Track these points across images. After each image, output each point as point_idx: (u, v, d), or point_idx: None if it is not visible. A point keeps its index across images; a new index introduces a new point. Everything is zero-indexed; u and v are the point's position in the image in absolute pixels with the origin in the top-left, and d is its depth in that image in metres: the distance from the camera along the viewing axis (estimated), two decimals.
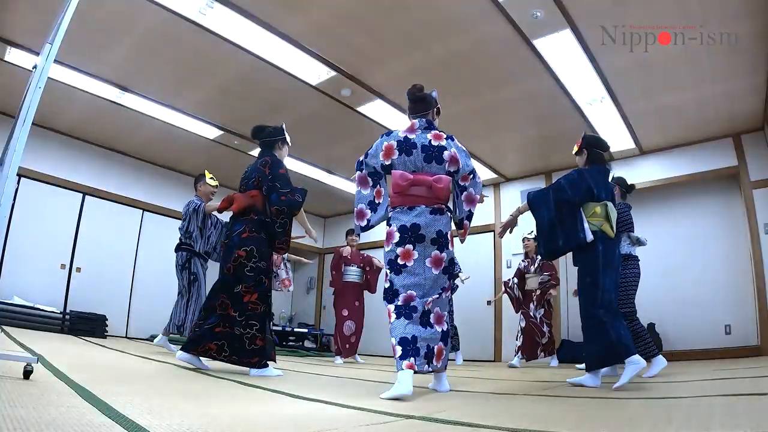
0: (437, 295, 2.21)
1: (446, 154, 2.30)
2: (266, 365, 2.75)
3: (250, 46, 4.23)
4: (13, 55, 4.48)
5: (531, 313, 5.29)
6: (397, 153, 2.32)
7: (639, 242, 3.48)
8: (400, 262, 2.20)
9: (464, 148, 2.40)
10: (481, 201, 2.49)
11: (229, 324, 2.70)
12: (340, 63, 4.48)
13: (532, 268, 5.43)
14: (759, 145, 5.28)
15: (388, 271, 2.23)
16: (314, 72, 4.61)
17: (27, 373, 1.64)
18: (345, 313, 5.54)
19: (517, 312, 5.53)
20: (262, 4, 3.73)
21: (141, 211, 6.82)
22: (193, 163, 6.73)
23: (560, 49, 4.05)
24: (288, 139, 3.28)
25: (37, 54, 2.36)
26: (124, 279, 6.47)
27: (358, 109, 5.24)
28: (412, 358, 2.02)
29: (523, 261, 5.61)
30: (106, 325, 5.79)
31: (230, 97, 5.20)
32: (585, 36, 3.88)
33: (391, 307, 2.17)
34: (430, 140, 2.33)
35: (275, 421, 1.40)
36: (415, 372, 2.02)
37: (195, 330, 2.78)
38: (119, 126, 5.92)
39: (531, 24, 3.76)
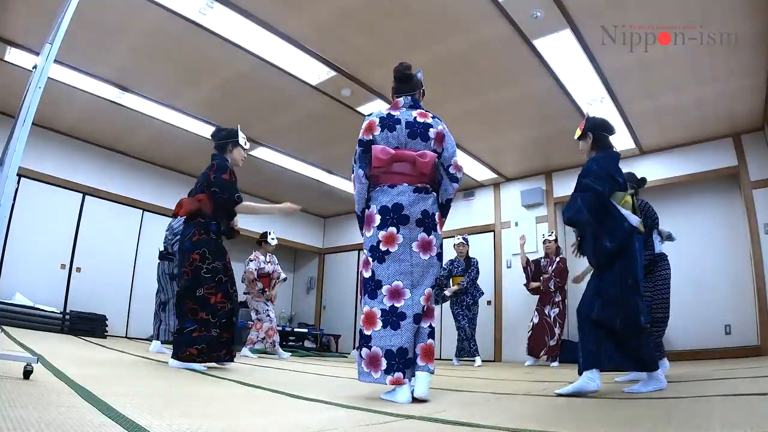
0: (431, 287, 1.97)
1: (432, 131, 2.11)
2: (230, 360, 2.97)
3: (250, 46, 4.23)
4: (13, 55, 4.48)
5: (546, 311, 5.37)
6: (379, 129, 2.10)
7: (670, 238, 3.21)
8: (382, 248, 1.97)
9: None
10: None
11: (205, 327, 2.85)
12: (340, 63, 4.48)
13: (550, 269, 5.50)
14: (759, 145, 5.28)
15: (370, 260, 2.00)
16: (314, 72, 4.62)
17: (27, 373, 1.64)
18: None
19: (529, 283, 5.65)
20: (262, 4, 3.73)
21: (141, 211, 6.81)
22: (193, 163, 6.72)
23: (560, 49, 4.05)
24: (242, 141, 3.26)
25: (37, 54, 2.37)
26: (124, 279, 6.47)
27: (358, 109, 5.24)
28: (399, 373, 1.83)
29: (543, 260, 5.68)
30: (106, 325, 5.79)
31: (230, 97, 5.20)
32: (585, 36, 3.88)
33: (376, 310, 1.92)
34: (416, 117, 2.13)
35: (275, 421, 1.40)
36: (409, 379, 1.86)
37: (176, 336, 2.92)
38: (119, 126, 5.92)
39: (531, 24, 3.76)
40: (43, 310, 5.29)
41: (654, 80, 4.48)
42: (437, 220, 2.06)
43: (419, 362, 1.88)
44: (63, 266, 5.93)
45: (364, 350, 1.91)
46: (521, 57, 4.18)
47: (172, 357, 2.88)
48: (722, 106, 4.90)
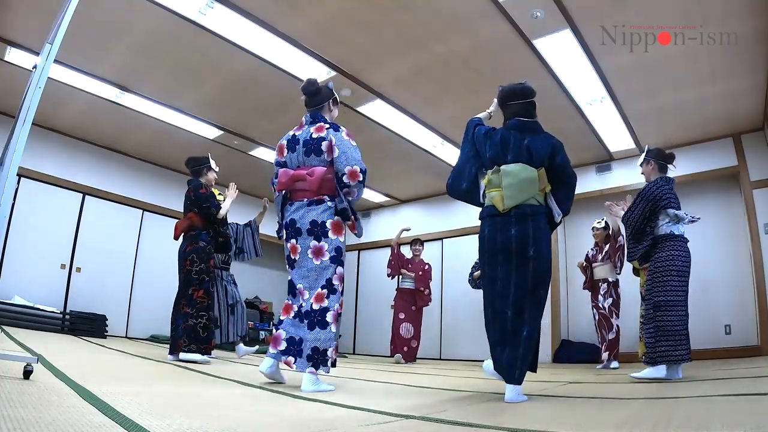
0: (322, 289, 2.20)
1: (324, 144, 2.29)
2: (206, 353, 3.39)
3: (250, 46, 4.23)
4: (13, 55, 4.48)
5: (600, 304, 5.03)
6: (287, 151, 2.39)
7: (678, 218, 2.94)
8: (291, 257, 2.30)
9: (355, 144, 2.33)
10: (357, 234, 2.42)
11: (185, 319, 3.36)
12: (340, 63, 4.48)
13: (600, 257, 5.15)
14: (759, 145, 5.28)
15: (287, 266, 2.35)
16: (314, 72, 4.61)
17: (27, 373, 1.64)
18: (402, 316, 5.88)
19: (585, 287, 5.28)
20: (262, 4, 3.73)
21: (141, 211, 6.81)
22: None
23: (560, 49, 4.05)
24: (213, 165, 3.84)
25: (37, 54, 2.37)
26: (124, 279, 6.46)
27: (358, 109, 5.24)
28: (291, 357, 2.17)
29: (591, 249, 5.33)
30: (106, 325, 5.78)
31: (230, 97, 5.20)
32: (585, 36, 3.88)
33: (294, 305, 2.26)
34: (311, 134, 2.34)
35: (276, 421, 1.40)
36: (298, 371, 2.18)
37: (172, 333, 3.51)
38: (119, 126, 5.91)
39: (531, 24, 3.76)
40: (43, 310, 5.29)
41: (654, 80, 4.48)
42: (329, 227, 2.25)
43: (329, 365, 2.20)
44: (63, 266, 5.93)
45: (274, 330, 2.27)
46: (521, 57, 4.18)
47: (169, 352, 3.44)
48: (722, 106, 4.90)
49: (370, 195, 8.01)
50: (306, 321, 2.17)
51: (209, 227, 3.67)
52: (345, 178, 2.25)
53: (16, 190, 5.49)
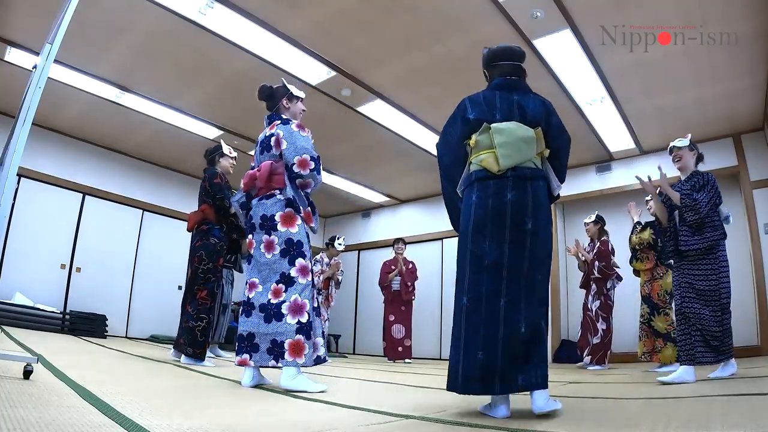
0: (278, 284, 2.16)
1: (273, 139, 2.34)
2: (199, 359, 3.25)
3: (250, 46, 4.23)
4: (13, 55, 4.48)
5: (588, 305, 4.88)
6: (255, 154, 2.49)
7: (726, 220, 2.93)
8: (250, 251, 2.33)
9: (306, 135, 2.32)
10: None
11: (185, 319, 3.27)
12: (340, 63, 4.48)
13: (591, 254, 5.03)
14: (759, 145, 5.28)
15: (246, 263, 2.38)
16: (314, 72, 4.62)
17: (27, 373, 1.64)
18: (392, 318, 5.95)
19: (581, 285, 5.16)
20: (262, 4, 3.73)
21: (141, 211, 6.81)
22: (193, 163, 6.71)
23: (560, 49, 4.05)
24: (226, 150, 3.72)
25: (37, 54, 2.37)
26: (124, 279, 6.46)
27: (358, 109, 5.24)
28: (246, 355, 2.15)
29: (587, 245, 5.23)
30: (106, 325, 5.78)
31: (230, 97, 5.20)
32: (585, 36, 3.88)
33: (242, 301, 2.28)
34: (266, 133, 2.41)
35: (275, 421, 1.41)
36: (258, 366, 2.15)
37: (178, 328, 3.41)
38: (119, 126, 5.92)
39: (531, 24, 3.76)
40: (43, 310, 5.29)
41: (654, 80, 4.48)
42: (278, 219, 2.25)
43: (287, 357, 2.07)
44: (63, 266, 5.93)
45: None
46: None
47: (173, 347, 3.44)
48: (722, 106, 4.90)
49: (370, 195, 8.01)
50: (263, 314, 2.16)
51: (223, 222, 3.49)
52: (295, 168, 2.23)
53: (16, 190, 5.49)
